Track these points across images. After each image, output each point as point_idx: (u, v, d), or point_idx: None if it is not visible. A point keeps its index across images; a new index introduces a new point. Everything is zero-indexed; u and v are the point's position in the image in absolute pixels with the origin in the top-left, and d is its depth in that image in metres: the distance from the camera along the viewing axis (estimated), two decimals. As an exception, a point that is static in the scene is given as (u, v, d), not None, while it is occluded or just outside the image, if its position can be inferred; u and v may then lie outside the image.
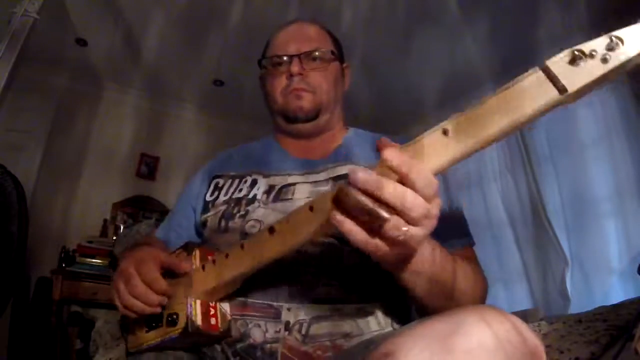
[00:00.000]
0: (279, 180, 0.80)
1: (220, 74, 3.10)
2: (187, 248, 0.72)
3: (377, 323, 0.68)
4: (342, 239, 0.69)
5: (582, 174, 2.41)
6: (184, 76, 3.17)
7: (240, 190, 0.82)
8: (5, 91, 1.66)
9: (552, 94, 0.39)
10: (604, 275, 2.24)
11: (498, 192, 2.83)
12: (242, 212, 0.78)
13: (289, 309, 0.66)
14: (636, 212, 2.15)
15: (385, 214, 0.41)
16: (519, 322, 0.39)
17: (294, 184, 0.79)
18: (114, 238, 2.92)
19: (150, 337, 0.68)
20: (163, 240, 0.91)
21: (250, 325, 0.67)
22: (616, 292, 2.11)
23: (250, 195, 0.80)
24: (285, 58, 0.85)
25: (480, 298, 0.67)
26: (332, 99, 0.88)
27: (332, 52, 0.88)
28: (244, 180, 0.84)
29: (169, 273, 0.69)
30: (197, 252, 0.70)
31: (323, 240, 0.70)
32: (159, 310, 0.66)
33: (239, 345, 0.67)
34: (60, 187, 2.96)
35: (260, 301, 0.68)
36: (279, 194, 0.78)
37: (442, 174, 0.45)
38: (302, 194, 0.76)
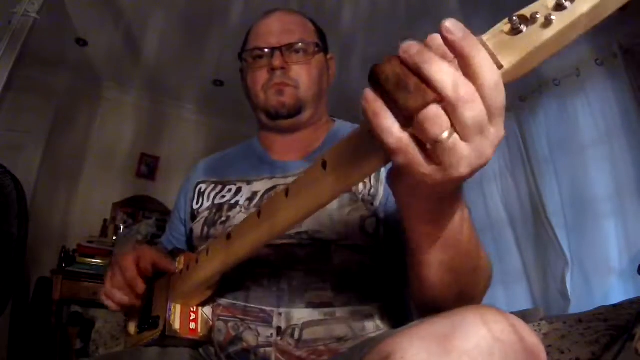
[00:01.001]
0: (261, 186, 0.78)
1: (220, 74, 3.10)
2: (173, 254, 0.75)
3: (374, 326, 0.67)
4: (329, 240, 0.69)
5: (582, 174, 2.41)
6: (184, 76, 3.17)
7: (223, 196, 0.81)
8: (5, 91, 1.66)
9: None
10: (604, 275, 2.24)
11: (498, 192, 2.83)
12: (223, 219, 0.76)
13: (280, 314, 0.65)
14: (636, 212, 2.15)
15: (428, 92, 0.30)
16: (518, 322, 0.39)
17: (276, 187, 0.77)
18: (114, 238, 2.93)
19: (140, 338, 0.70)
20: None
21: (242, 329, 0.66)
22: (616, 292, 2.11)
23: (233, 201, 0.79)
24: (266, 51, 0.81)
25: (485, 292, 0.62)
26: (316, 94, 0.83)
27: (316, 44, 0.84)
28: (227, 188, 0.82)
29: (163, 276, 0.71)
30: (181, 258, 0.72)
31: (308, 242, 0.69)
32: (136, 302, 0.69)
33: (231, 349, 0.66)
34: (60, 187, 2.95)
35: (251, 305, 0.67)
36: (261, 199, 0.76)
37: None
38: None
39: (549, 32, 0.31)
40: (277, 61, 0.79)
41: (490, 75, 0.31)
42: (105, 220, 3.07)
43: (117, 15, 2.55)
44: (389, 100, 0.32)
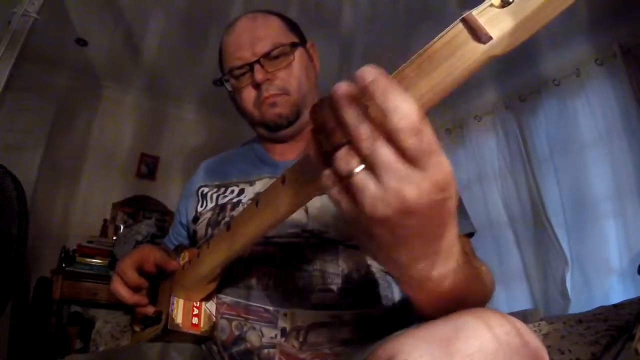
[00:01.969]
0: (263, 186, 0.78)
1: (220, 74, 3.10)
2: (178, 250, 0.75)
3: (379, 329, 0.65)
4: (336, 240, 0.69)
5: (582, 174, 2.41)
6: (184, 76, 3.17)
7: (226, 197, 0.80)
8: (5, 91, 1.65)
9: (471, 47, 0.32)
10: (604, 275, 2.24)
11: (498, 192, 2.83)
12: (227, 219, 0.76)
13: (285, 315, 0.65)
14: (636, 212, 2.15)
15: (338, 134, 0.33)
16: (520, 324, 0.39)
17: None
18: (114, 238, 2.93)
19: (144, 335, 0.70)
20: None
21: (245, 329, 0.66)
22: (616, 292, 2.11)
23: (235, 200, 0.78)
24: (245, 67, 0.78)
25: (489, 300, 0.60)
26: (308, 91, 0.81)
27: (292, 44, 0.80)
28: (229, 189, 0.82)
29: (166, 274, 0.71)
30: (185, 253, 0.72)
31: (315, 241, 0.69)
32: (142, 300, 0.69)
33: (234, 349, 0.66)
34: (60, 187, 2.95)
35: (255, 304, 0.67)
36: None
37: None
38: None
39: (537, 1, 0.32)
40: (259, 75, 0.76)
41: (400, 117, 0.30)
42: (105, 220, 3.07)
43: (117, 15, 2.55)
44: (317, 141, 0.36)
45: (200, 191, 0.86)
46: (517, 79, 2.76)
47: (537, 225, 2.56)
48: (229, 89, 0.83)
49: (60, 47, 2.81)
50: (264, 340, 0.64)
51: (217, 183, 0.85)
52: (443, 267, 0.38)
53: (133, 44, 2.80)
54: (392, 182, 0.31)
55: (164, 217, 3.24)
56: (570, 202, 2.45)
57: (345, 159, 0.33)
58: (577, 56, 2.53)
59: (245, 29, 0.81)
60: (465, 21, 0.32)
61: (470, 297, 0.44)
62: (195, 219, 0.83)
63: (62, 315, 2.57)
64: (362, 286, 0.68)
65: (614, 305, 1.35)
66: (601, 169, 2.34)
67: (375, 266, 0.70)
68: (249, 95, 0.80)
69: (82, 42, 2.81)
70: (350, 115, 0.32)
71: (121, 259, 0.72)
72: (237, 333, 0.67)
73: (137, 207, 3.24)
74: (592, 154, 2.40)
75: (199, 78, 3.16)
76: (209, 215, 0.80)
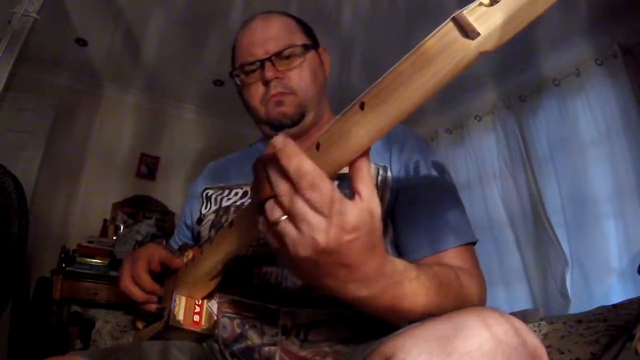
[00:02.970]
0: None
1: (220, 74, 3.10)
2: (182, 249, 0.76)
3: (378, 328, 0.67)
4: None
5: (582, 174, 2.41)
6: (184, 76, 3.17)
7: (229, 199, 0.81)
8: (5, 91, 1.65)
9: (461, 43, 0.34)
10: (604, 275, 2.24)
11: (498, 192, 2.83)
12: (230, 221, 0.77)
13: (286, 313, 0.65)
14: (636, 212, 2.15)
15: (267, 188, 0.41)
16: (519, 323, 0.39)
17: None
18: (114, 238, 2.93)
19: (146, 332, 0.71)
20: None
21: (247, 326, 0.67)
22: (616, 292, 2.11)
23: (239, 203, 0.79)
24: (256, 64, 0.79)
25: (484, 296, 0.62)
26: (315, 94, 0.82)
27: (304, 45, 0.81)
28: (234, 191, 0.82)
29: (173, 273, 0.72)
30: (189, 252, 0.73)
31: None
32: (153, 299, 0.70)
33: (236, 347, 0.66)
34: (60, 187, 2.95)
35: (257, 302, 0.67)
36: None
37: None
38: None
39: None
40: (269, 72, 0.77)
41: (299, 177, 0.38)
42: (105, 220, 3.07)
43: (117, 15, 2.55)
44: (256, 190, 0.43)
45: (204, 193, 0.87)
46: (517, 79, 2.76)
47: (537, 225, 2.56)
48: (238, 83, 0.84)
49: (60, 47, 2.81)
50: (265, 338, 0.65)
51: (221, 185, 0.86)
52: (373, 288, 0.44)
53: (133, 44, 2.81)
54: (305, 230, 0.38)
55: (164, 217, 3.25)
56: (570, 202, 2.45)
57: (271, 210, 0.40)
58: (577, 56, 2.53)
59: (260, 26, 0.82)
60: (455, 19, 0.34)
61: (427, 306, 0.49)
62: (199, 221, 0.84)
63: (62, 315, 2.57)
64: None
65: (614, 305, 1.35)
66: (601, 169, 2.34)
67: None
68: (256, 91, 0.80)
69: (82, 42, 2.81)
70: (273, 173, 0.39)
71: (128, 259, 0.73)
72: (238, 331, 0.67)
73: (137, 207, 3.24)
74: (592, 154, 2.40)
75: (199, 78, 3.17)
76: (212, 217, 0.80)
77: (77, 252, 2.69)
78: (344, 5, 2.33)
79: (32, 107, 2.83)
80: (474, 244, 0.71)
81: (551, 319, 1.43)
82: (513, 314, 0.46)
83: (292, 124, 0.80)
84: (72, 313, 2.63)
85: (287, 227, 0.39)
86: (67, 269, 2.58)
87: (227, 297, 0.70)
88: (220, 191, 0.85)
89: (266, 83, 0.78)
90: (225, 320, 0.69)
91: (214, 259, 0.62)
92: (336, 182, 0.73)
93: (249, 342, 0.65)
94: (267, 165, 0.40)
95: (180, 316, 0.65)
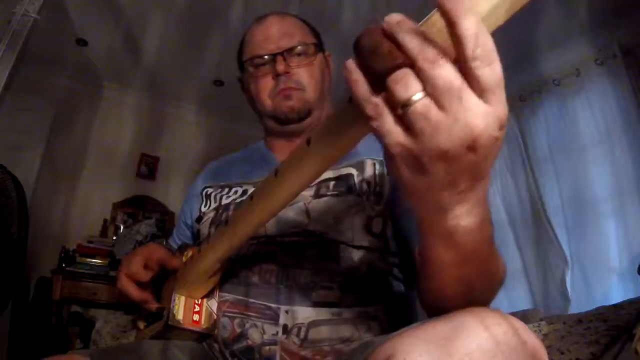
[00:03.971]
0: None
1: (220, 74, 3.10)
2: (181, 249, 0.76)
3: (379, 327, 0.66)
4: (337, 240, 0.69)
5: (582, 174, 2.41)
6: (184, 76, 3.17)
7: (229, 197, 0.82)
8: (5, 91, 1.65)
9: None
10: (604, 275, 2.24)
11: (498, 192, 2.83)
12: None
13: (286, 312, 0.65)
14: (636, 212, 2.15)
15: (398, 54, 0.30)
16: (518, 324, 0.39)
17: None
18: (114, 238, 2.93)
19: (147, 332, 0.71)
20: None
21: (247, 326, 0.67)
22: (616, 292, 2.11)
23: (239, 200, 0.79)
24: (267, 57, 0.81)
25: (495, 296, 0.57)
26: (321, 94, 0.84)
27: (315, 45, 0.84)
28: (233, 190, 0.83)
29: (173, 273, 0.72)
30: (189, 252, 0.73)
31: (317, 240, 0.70)
32: (148, 297, 0.71)
33: (236, 346, 0.67)
34: (60, 187, 2.95)
35: (257, 301, 0.68)
36: None
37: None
38: None
39: None
40: (280, 66, 0.79)
41: (477, 44, 0.28)
42: (105, 220, 3.07)
43: (117, 15, 2.55)
44: (365, 67, 0.32)
45: (204, 192, 0.87)
46: (517, 79, 2.76)
47: (537, 225, 2.56)
48: (245, 74, 0.86)
49: (60, 47, 2.81)
50: (265, 337, 0.65)
51: (221, 184, 0.86)
52: (473, 217, 0.37)
53: (133, 44, 2.81)
54: (460, 112, 0.29)
55: (164, 217, 3.25)
56: (570, 202, 2.45)
57: (404, 82, 0.30)
58: (577, 56, 2.53)
59: (275, 23, 0.84)
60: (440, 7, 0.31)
61: (484, 266, 0.45)
62: (199, 219, 0.84)
63: (62, 315, 2.57)
64: (362, 285, 0.68)
65: (614, 305, 1.35)
66: (601, 169, 2.34)
67: (376, 265, 0.70)
68: (265, 84, 0.81)
69: (82, 42, 2.81)
70: (412, 38, 0.29)
71: (127, 258, 0.73)
72: (238, 330, 0.67)
73: (137, 207, 3.24)
74: (592, 154, 2.40)
75: (199, 78, 3.17)
76: (212, 214, 0.81)
77: (77, 252, 2.69)
78: (344, 5, 2.33)
79: (32, 107, 2.83)
80: None
81: (551, 319, 1.43)
82: (513, 314, 0.46)
83: (299, 119, 0.82)
84: (72, 313, 2.63)
85: (430, 107, 0.29)
86: (67, 269, 2.58)
87: (228, 296, 0.70)
88: (220, 189, 0.85)
89: (276, 77, 0.80)
90: (225, 320, 0.69)
91: (211, 256, 0.62)
92: (335, 182, 0.74)
93: (249, 342, 0.65)
94: (401, 27, 0.30)
95: (180, 315, 0.66)
